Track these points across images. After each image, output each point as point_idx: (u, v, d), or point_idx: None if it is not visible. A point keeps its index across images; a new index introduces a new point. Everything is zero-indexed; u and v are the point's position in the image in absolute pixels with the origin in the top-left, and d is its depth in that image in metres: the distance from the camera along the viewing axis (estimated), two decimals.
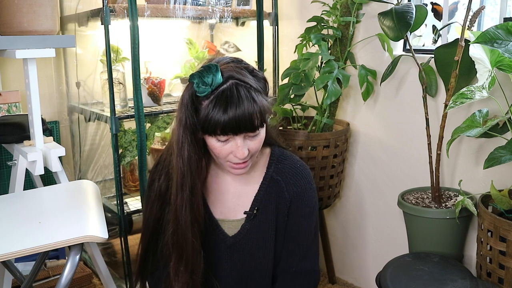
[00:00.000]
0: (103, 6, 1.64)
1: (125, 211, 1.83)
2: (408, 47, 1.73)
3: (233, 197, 1.20)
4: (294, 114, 1.99)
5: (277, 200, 1.18)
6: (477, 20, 1.49)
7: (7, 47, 1.53)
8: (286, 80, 1.89)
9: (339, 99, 1.91)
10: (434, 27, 1.97)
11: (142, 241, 1.21)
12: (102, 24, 1.67)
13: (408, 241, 1.68)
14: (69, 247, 1.11)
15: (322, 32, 1.89)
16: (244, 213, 1.18)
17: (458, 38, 1.50)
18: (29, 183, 1.93)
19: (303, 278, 1.21)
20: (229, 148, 1.06)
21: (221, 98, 1.01)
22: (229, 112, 1.00)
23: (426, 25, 1.95)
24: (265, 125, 1.09)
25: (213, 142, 1.06)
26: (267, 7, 2.06)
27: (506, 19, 1.53)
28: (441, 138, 1.58)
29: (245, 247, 1.19)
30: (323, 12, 1.89)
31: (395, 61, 1.74)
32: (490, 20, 1.82)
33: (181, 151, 1.06)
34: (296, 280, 1.21)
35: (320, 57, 1.82)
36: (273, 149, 1.22)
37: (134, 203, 1.97)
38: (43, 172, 1.59)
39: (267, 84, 1.12)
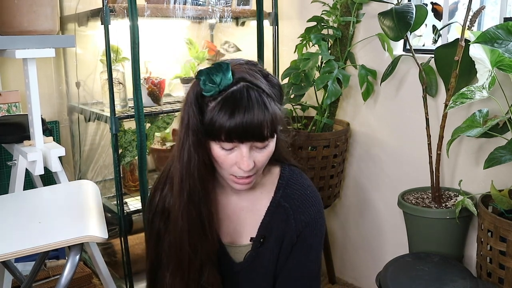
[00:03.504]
0: (103, 6, 1.64)
1: (125, 211, 1.83)
2: (408, 47, 1.73)
3: (239, 220, 1.12)
4: (294, 114, 1.99)
5: (283, 227, 1.09)
6: (477, 20, 1.49)
7: (7, 47, 1.53)
8: (286, 80, 1.89)
9: (339, 99, 1.91)
10: (434, 27, 1.97)
11: (148, 257, 1.15)
12: (102, 24, 1.66)
13: (408, 241, 1.68)
14: (69, 247, 1.11)
15: (322, 32, 1.89)
16: (250, 240, 1.11)
17: (458, 38, 1.50)
18: (29, 183, 1.93)
19: None
20: (234, 158, 0.96)
21: (229, 100, 0.92)
22: (236, 117, 0.90)
23: (426, 25, 1.95)
24: (275, 137, 1.00)
25: (216, 150, 0.96)
26: (267, 7, 2.05)
27: (506, 19, 1.53)
28: (441, 138, 1.58)
29: (251, 274, 1.13)
30: (323, 12, 1.89)
31: (395, 61, 1.74)
32: (490, 20, 1.82)
33: (181, 153, 0.97)
34: None
35: (320, 57, 1.82)
36: (283, 171, 1.12)
37: (134, 203, 1.97)
38: (43, 172, 1.59)
39: (282, 92, 1.02)
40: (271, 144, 0.99)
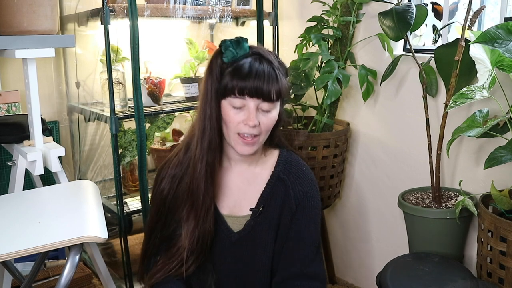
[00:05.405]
0: (103, 6, 1.64)
1: (125, 211, 1.83)
2: (408, 47, 1.73)
3: (240, 193, 1.23)
4: (294, 114, 1.99)
5: (282, 198, 1.21)
6: (477, 20, 1.49)
7: (6, 47, 1.53)
8: None
9: (339, 99, 1.91)
10: (434, 27, 1.97)
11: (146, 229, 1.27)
12: (102, 24, 1.66)
13: (408, 241, 1.68)
14: (69, 247, 1.11)
15: (322, 32, 1.88)
16: (250, 210, 1.21)
17: (459, 38, 1.50)
18: (29, 183, 1.93)
19: (314, 281, 1.22)
20: (241, 117, 1.11)
21: (243, 66, 1.09)
22: (249, 80, 1.08)
23: (426, 25, 1.95)
24: (279, 107, 1.15)
25: (227, 108, 1.11)
26: (267, 7, 2.06)
27: (506, 19, 1.53)
28: (441, 138, 1.58)
29: (249, 243, 1.21)
30: (323, 12, 1.88)
31: (395, 61, 1.74)
32: (491, 20, 1.82)
33: (204, 108, 1.13)
34: (308, 282, 1.21)
35: (320, 57, 1.82)
36: (281, 151, 1.26)
37: (134, 203, 1.97)
38: (42, 172, 1.59)
39: (287, 71, 1.19)
40: (274, 112, 1.14)
